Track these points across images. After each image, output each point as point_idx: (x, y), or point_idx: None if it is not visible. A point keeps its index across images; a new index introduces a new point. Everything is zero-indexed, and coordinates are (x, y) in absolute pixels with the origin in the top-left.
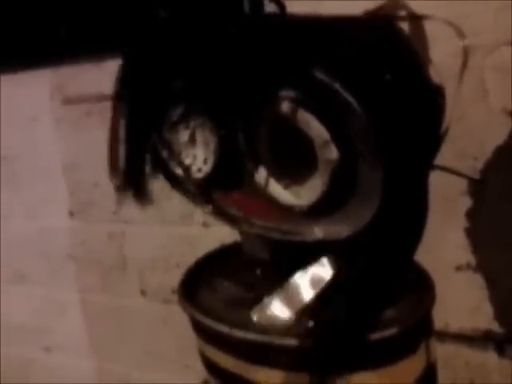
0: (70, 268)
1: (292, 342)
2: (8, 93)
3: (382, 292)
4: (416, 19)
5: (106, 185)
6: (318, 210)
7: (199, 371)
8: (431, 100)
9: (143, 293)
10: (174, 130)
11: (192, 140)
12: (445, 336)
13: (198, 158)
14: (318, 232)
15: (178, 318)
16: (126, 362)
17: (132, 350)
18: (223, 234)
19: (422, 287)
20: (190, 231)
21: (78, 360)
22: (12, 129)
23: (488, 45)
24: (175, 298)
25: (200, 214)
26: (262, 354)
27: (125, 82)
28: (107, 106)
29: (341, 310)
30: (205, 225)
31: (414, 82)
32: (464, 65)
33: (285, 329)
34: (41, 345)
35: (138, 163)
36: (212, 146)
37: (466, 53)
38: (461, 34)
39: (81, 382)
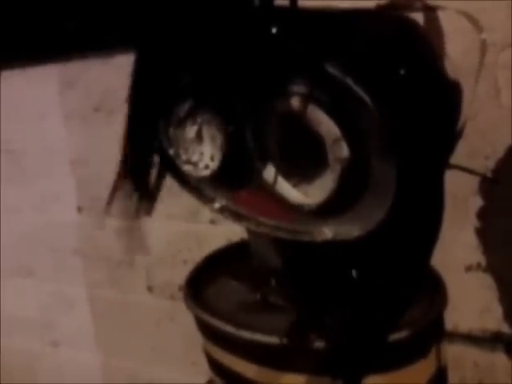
0: (77, 263)
1: (298, 343)
2: (17, 88)
3: (400, 293)
4: (431, 10)
5: (114, 180)
6: (328, 209)
7: (206, 368)
8: (447, 96)
9: (150, 289)
10: (180, 126)
11: (199, 136)
12: (454, 336)
13: (205, 154)
14: (327, 232)
15: (185, 315)
16: (132, 357)
17: (138, 346)
18: (230, 232)
19: (433, 290)
20: (197, 228)
21: (85, 355)
22: (21, 124)
23: (500, 42)
24: (182, 294)
25: (207, 211)
26: (268, 354)
27: (136, 77)
28: (116, 102)
29: (353, 312)
30: (212, 222)
31: (429, 76)
32: (481, 59)
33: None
34: (48, 339)
35: (144, 161)
36: (219, 142)
37: (483, 46)
38: (478, 26)
39: (87, 377)
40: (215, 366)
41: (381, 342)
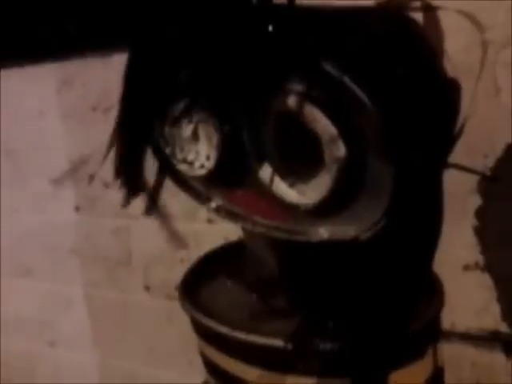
0: (74, 263)
1: (288, 343)
2: (15, 87)
3: (403, 294)
4: (431, 10)
5: (111, 180)
6: (324, 209)
7: (202, 368)
8: (445, 94)
9: (147, 288)
10: (176, 125)
11: (195, 135)
12: (451, 336)
13: (201, 154)
14: (323, 232)
15: (182, 314)
16: (129, 357)
17: (136, 346)
18: (227, 231)
19: (430, 290)
20: (194, 227)
21: (82, 354)
22: (19, 123)
23: (500, 40)
24: None
25: (204, 210)
26: (261, 355)
27: (129, 76)
28: (114, 101)
29: (356, 314)
30: (209, 221)
31: (427, 75)
32: (483, 59)
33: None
34: (45, 339)
35: (138, 160)
36: (215, 141)
37: (484, 46)
38: (479, 26)
39: (84, 376)
40: (211, 367)
41: (389, 342)
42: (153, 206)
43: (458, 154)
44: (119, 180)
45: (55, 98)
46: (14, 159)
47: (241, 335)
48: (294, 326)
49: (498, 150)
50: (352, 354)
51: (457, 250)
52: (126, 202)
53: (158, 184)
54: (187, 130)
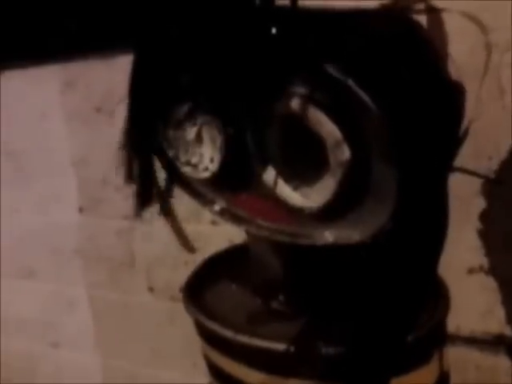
0: (78, 264)
1: (291, 347)
2: (18, 88)
3: (408, 299)
4: (435, 12)
5: (115, 181)
6: (329, 213)
7: (206, 370)
8: (450, 97)
9: (151, 290)
10: (180, 127)
11: (199, 138)
12: (456, 339)
13: (205, 156)
14: (328, 236)
15: (185, 316)
16: (132, 358)
17: (138, 347)
18: (232, 233)
19: (436, 295)
20: (198, 229)
21: (85, 356)
22: (22, 124)
23: (504, 42)
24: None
25: (208, 212)
26: (264, 359)
27: (134, 78)
28: (117, 102)
29: (360, 319)
30: (213, 223)
31: (431, 78)
32: (487, 61)
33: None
34: (48, 340)
35: (144, 164)
36: (219, 144)
37: (488, 49)
38: (483, 28)
39: (87, 378)
40: (215, 370)
41: (393, 347)
42: (166, 212)
43: (462, 157)
44: (132, 188)
45: (58, 100)
46: (17, 160)
47: (244, 339)
48: (297, 329)
49: (503, 152)
50: (355, 358)
51: (461, 253)
52: (138, 210)
53: (168, 188)
54: (191, 132)
